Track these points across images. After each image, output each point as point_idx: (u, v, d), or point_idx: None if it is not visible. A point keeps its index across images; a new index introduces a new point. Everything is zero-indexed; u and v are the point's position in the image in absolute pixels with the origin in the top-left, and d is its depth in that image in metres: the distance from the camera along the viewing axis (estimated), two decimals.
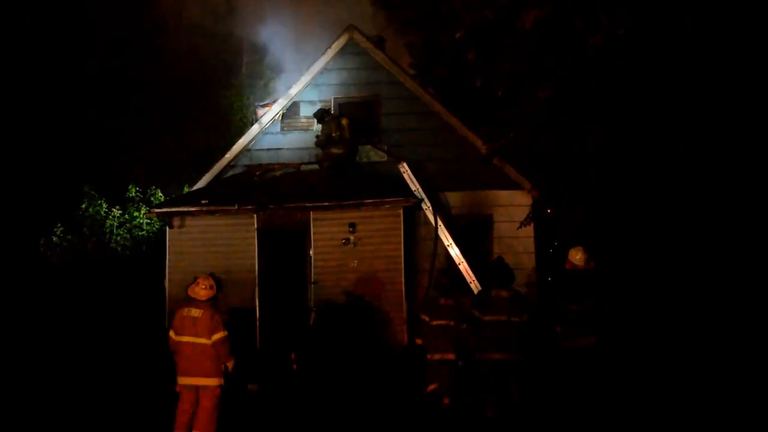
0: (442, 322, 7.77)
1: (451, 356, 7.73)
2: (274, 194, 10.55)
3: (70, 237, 13.54)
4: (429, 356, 7.80)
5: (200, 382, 6.61)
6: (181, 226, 10.52)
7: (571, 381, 7.40)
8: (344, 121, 11.21)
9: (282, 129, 11.74)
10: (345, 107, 11.68)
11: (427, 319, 7.89)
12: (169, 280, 10.39)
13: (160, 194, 14.73)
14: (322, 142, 11.27)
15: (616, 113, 7.93)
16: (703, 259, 8.62)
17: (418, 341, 7.95)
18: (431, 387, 7.78)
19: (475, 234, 11.36)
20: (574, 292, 7.35)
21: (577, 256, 7.45)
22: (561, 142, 8.73)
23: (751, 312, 8.21)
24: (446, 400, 7.68)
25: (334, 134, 11.13)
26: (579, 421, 7.02)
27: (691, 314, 8.67)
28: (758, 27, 6.54)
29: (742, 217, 8.12)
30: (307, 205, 10.43)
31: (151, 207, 11.96)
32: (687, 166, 7.90)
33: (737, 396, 7.21)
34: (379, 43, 12.31)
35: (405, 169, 11.04)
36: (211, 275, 6.92)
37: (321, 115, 11.33)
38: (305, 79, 11.77)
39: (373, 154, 11.54)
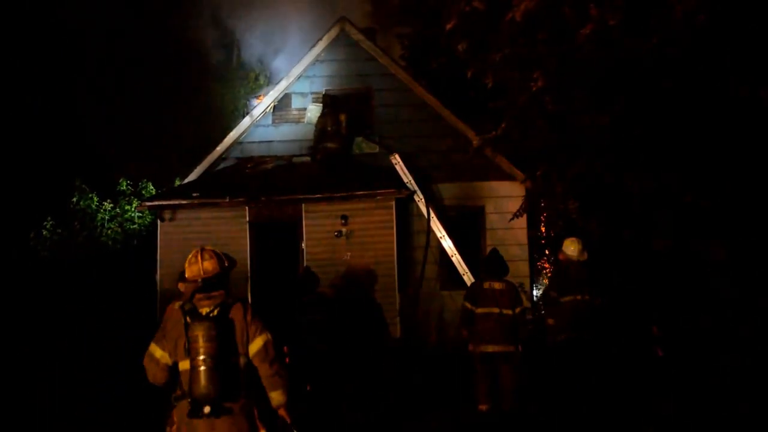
0: (317, 317, 8.23)
1: (324, 348, 8.15)
2: (265, 187, 10.50)
3: (60, 231, 13.49)
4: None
5: None
6: (172, 220, 10.45)
7: (562, 374, 7.40)
8: (342, 117, 11.10)
9: (273, 121, 11.66)
10: (337, 99, 11.57)
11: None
12: (161, 274, 10.34)
13: (152, 187, 14.69)
14: (317, 135, 11.19)
15: (609, 103, 7.89)
16: (698, 252, 8.59)
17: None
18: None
19: (467, 226, 11.38)
20: (568, 284, 7.27)
21: (571, 247, 7.26)
22: (553, 132, 8.70)
23: (747, 308, 8.20)
24: (308, 387, 8.04)
25: (329, 128, 11.05)
26: (569, 415, 7.04)
27: (686, 308, 8.66)
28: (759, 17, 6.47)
29: (740, 210, 8.07)
30: (299, 197, 10.39)
31: (142, 200, 11.93)
32: (683, 157, 7.85)
33: (733, 392, 7.22)
34: (370, 34, 12.25)
35: (397, 161, 11.01)
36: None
37: (326, 101, 11.20)
38: (296, 70, 11.69)
39: (365, 146, 11.49)
